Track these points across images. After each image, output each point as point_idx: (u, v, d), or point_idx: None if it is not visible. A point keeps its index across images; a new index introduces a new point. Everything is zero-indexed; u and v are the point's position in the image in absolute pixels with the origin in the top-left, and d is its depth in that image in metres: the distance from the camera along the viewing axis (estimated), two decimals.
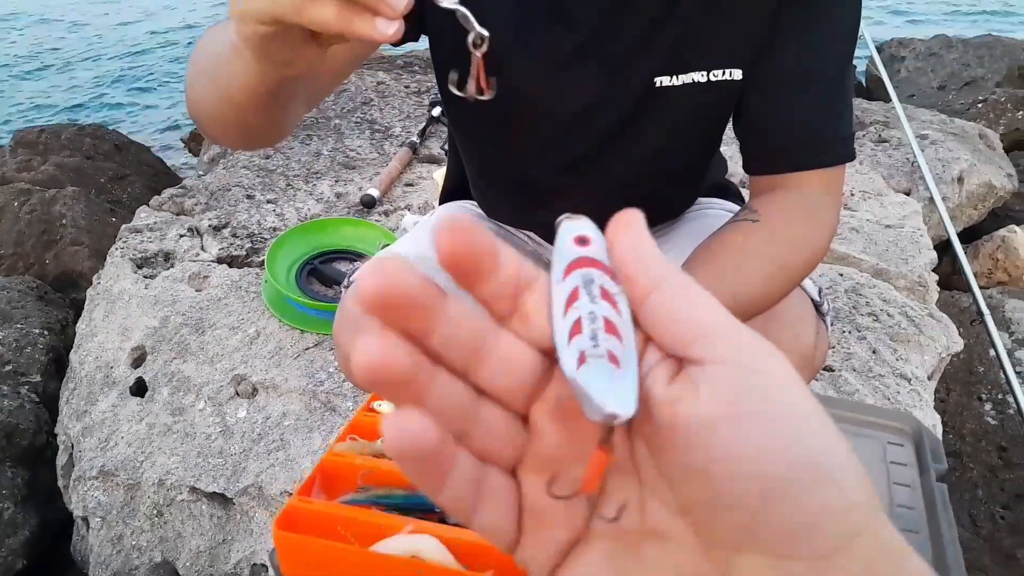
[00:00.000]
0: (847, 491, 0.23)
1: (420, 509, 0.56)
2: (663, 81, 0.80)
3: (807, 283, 0.92)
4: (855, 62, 0.90)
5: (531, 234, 1.05)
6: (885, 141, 1.81)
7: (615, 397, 0.25)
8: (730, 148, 1.11)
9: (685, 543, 0.26)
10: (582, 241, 0.29)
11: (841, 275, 1.39)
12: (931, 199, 1.58)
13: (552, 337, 0.27)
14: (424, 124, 1.85)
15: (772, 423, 0.24)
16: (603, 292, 0.27)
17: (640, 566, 0.27)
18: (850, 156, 0.83)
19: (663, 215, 1.02)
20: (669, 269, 0.27)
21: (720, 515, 0.24)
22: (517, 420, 0.28)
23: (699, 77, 0.80)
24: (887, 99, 1.97)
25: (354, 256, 1.50)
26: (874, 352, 1.28)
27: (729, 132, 0.95)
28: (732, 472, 0.23)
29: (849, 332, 1.31)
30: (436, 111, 1.86)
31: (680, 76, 0.80)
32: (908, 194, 1.63)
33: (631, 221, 0.28)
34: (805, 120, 0.80)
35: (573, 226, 0.30)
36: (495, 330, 0.28)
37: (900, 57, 2.36)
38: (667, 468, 0.26)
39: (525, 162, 0.92)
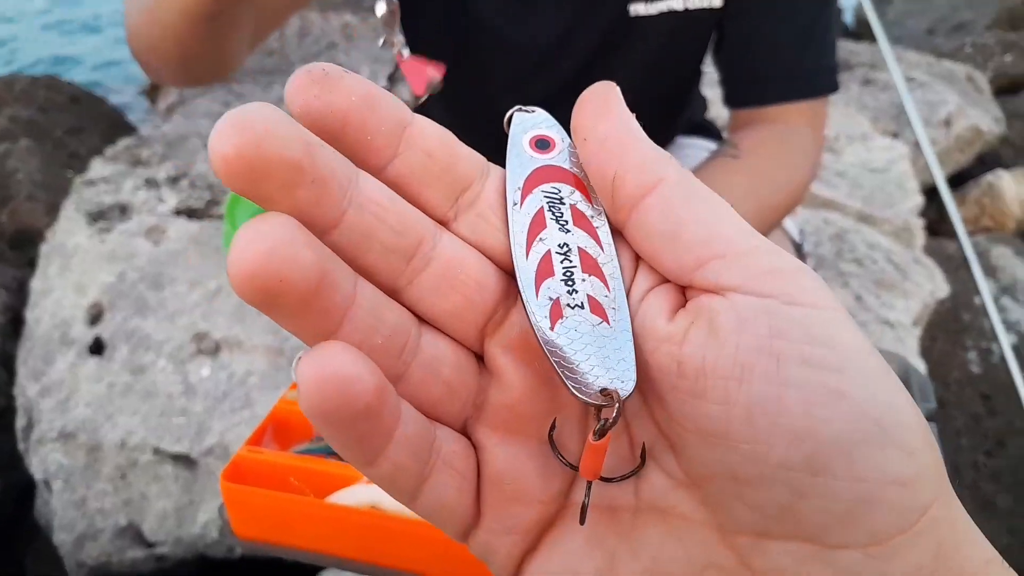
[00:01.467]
0: (915, 455, 0.17)
1: None
2: (638, 10, 0.75)
3: (787, 223, 0.89)
4: (842, 5, 0.86)
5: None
6: (871, 82, 1.76)
7: (607, 367, 0.18)
8: (712, 91, 1.05)
9: (693, 524, 0.19)
10: (542, 144, 0.22)
11: (826, 221, 1.35)
12: (917, 143, 1.54)
13: (517, 282, 0.20)
14: (393, 68, 1.78)
15: (822, 370, 0.17)
16: (576, 214, 0.21)
17: (634, 552, 0.20)
18: (833, 87, 0.79)
19: None
20: (670, 164, 0.20)
21: (746, 490, 0.18)
22: (470, 357, 0.21)
23: (676, 4, 0.75)
24: (874, 41, 1.91)
25: None
26: (858, 299, 1.25)
27: (710, 75, 0.90)
28: (767, 433, 0.17)
29: (833, 279, 1.28)
30: (406, 53, 1.78)
31: (655, 3, 0.75)
32: (895, 137, 1.59)
33: (607, 98, 0.21)
34: (787, 49, 0.77)
35: (529, 122, 0.23)
36: (434, 229, 0.20)
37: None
38: (669, 426, 0.19)
39: (493, 100, 0.87)
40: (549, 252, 0.20)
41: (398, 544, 0.45)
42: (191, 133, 1.59)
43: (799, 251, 0.87)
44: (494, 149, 0.90)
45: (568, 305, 0.19)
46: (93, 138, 1.96)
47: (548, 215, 0.21)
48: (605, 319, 0.19)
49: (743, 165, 0.75)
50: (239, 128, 0.16)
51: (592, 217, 0.21)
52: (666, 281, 0.20)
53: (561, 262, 0.20)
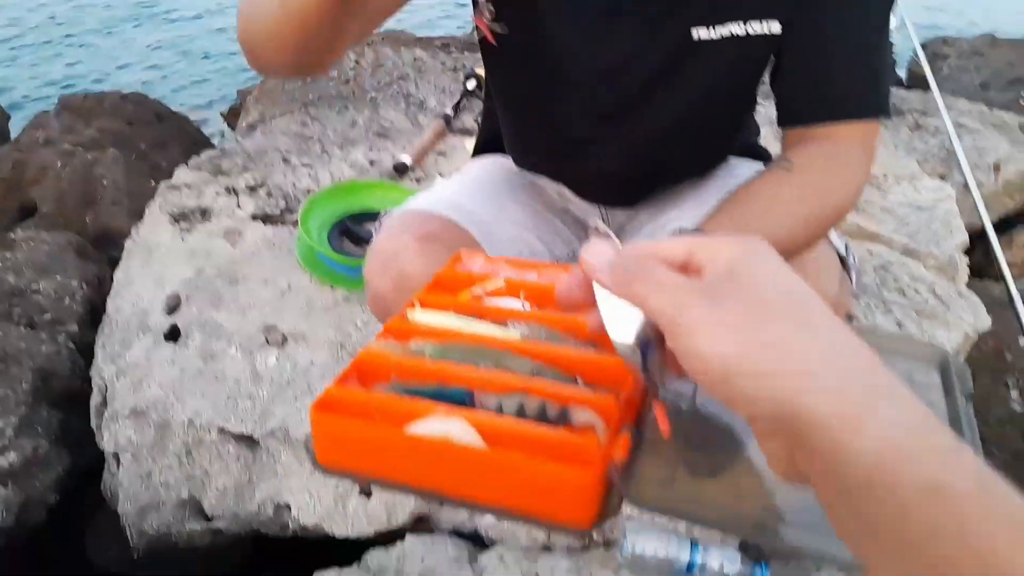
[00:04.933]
0: None
1: (450, 401, 0.57)
2: (700, 34, 0.81)
3: (833, 236, 0.93)
4: (896, 57, 0.91)
5: (562, 188, 1.06)
6: (921, 127, 1.79)
7: None
8: (763, 116, 1.11)
9: None
10: None
11: (871, 253, 1.39)
12: (966, 185, 1.57)
13: None
14: (459, 98, 1.88)
15: None
16: None
17: None
18: (885, 111, 0.83)
19: (693, 170, 1.02)
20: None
21: None
22: None
23: (737, 30, 0.80)
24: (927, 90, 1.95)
25: None
26: (899, 325, 1.27)
27: (763, 101, 0.95)
28: None
29: (875, 306, 1.31)
30: (471, 84, 1.88)
31: (717, 28, 0.80)
32: (943, 179, 1.62)
33: None
34: (842, 71, 0.81)
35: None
36: None
37: (943, 55, 2.33)
38: None
39: (558, 113, 0.93)
40: None
41: (467, 473, 0.50)
42: (269, 148, 1.71)
43: (844, 263, 0.91)
44: (557, 156, 0.96)
45: None
46: (174, 153, 2.10)
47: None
48: None
49: (795, 177, 0.79)
50: None
51: None
52: None
53: None
